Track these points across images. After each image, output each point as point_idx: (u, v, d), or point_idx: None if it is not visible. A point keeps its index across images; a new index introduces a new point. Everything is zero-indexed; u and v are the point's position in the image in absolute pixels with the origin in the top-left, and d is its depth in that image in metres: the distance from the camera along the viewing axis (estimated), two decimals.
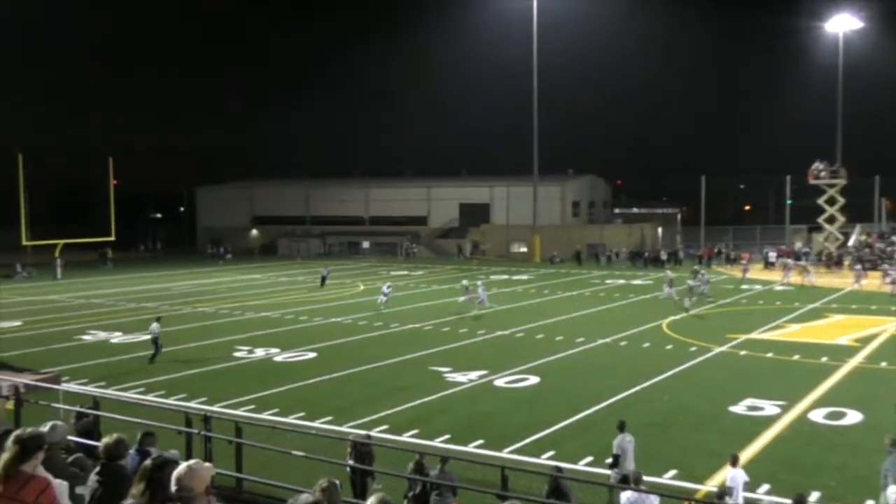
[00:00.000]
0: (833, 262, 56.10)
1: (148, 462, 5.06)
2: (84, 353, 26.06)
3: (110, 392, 19.77)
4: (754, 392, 19.67)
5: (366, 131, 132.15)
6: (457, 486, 10.86)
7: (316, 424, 16.87)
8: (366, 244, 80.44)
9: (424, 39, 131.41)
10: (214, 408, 18.17)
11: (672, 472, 14.01)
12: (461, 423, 17.19)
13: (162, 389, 20.58)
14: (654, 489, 11.18)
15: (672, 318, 32.83)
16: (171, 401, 19.07)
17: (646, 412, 18.08)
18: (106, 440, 6.59)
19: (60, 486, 5.79)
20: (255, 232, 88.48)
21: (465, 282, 36.42)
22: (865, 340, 27.14)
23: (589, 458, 14.59)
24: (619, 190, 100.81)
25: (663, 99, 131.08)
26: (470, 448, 15.29)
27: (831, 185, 60.43)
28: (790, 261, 54.26)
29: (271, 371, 23.05)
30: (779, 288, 44.37)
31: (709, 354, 24.91)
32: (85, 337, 29.43)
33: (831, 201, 60.44)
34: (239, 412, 17.88)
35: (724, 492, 11.21)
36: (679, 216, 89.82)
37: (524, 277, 53.07)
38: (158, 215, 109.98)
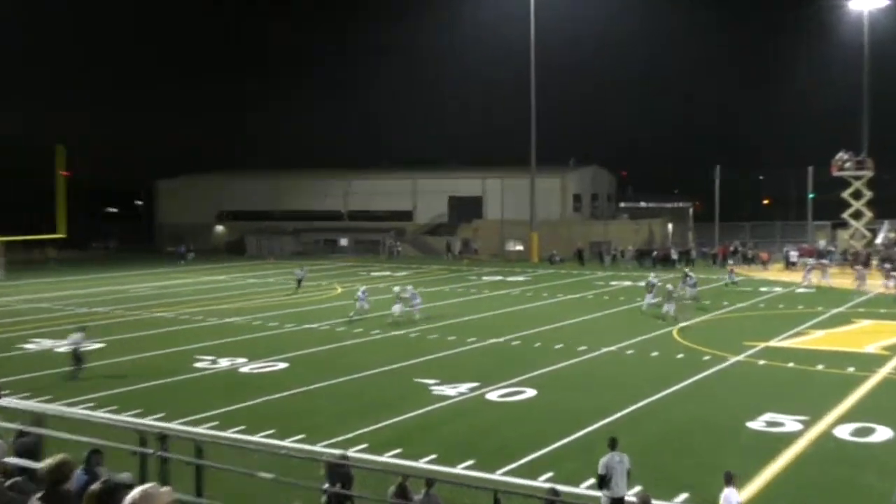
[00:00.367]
0: (859, 262, 56.29)
1: (97, 486, 4.92)
2: (27, 363, 25.83)
3: (55, 407, 19.58)
4: (774, 406, 19.68)
5: (346, 119, 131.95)
6: None
7: (287, 443, 16.77)
8: (344, 242, 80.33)
9: (412, 17, 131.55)
10: (173, 425, 18.05)
11: (684, 496, 13.96)
12: (449, 442, 17.11)
13: (114, 404, 20.40)
14: None
15: (683, 323, 32.86)
16: (124, 417, 18.92)
17: (655, 428, 18.06)
18: (49, 462, 6.48)
19: None
20: (220, 228, 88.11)
21: (396, 289, 35.87)
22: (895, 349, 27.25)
23: (590, 481, 14.51)
24: (624, 182, 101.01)
25: (673, 84, 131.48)
26: (459, 469, 15.21)
27: (857, 178, 60.67)
28: (811, 260, 54.47)
29: (237, 384, 22.93)
30: (800, 290, 44.55)
31: (724, 364, 24.93)
32: (28, 346, 29.17)
33: (857, 195, 60.67)
34: (200, 430, 17.77)
35: None
36: (691, 211, 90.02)
37: (520, 279, 53.04)
38: (114, 210, 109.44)
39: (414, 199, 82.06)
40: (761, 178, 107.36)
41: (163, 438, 12.36)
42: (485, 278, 53.78)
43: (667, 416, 19.05)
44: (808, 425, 18.09)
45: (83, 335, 24.70)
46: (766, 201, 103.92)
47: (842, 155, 61.29)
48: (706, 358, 25.80)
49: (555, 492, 11.60)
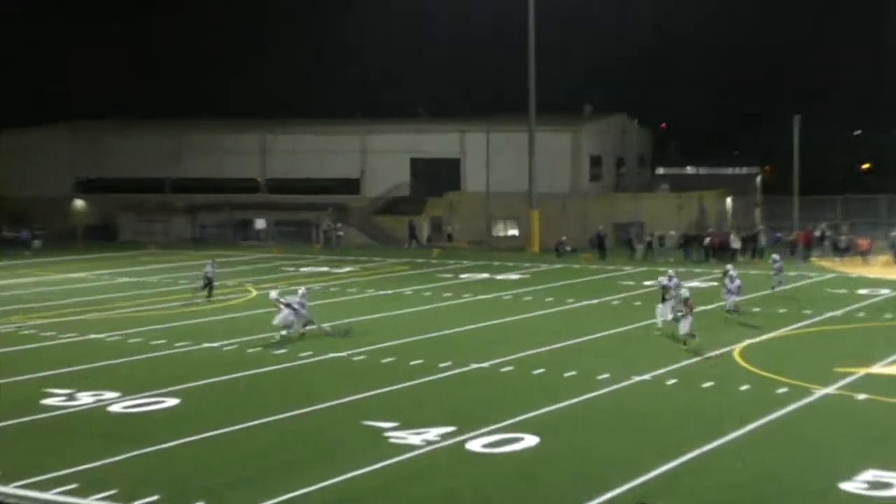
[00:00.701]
0: None
1: None
2: None
3: None
4: (878, 459, 19.69)
5: (274, 54, 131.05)
6: None
7: None
8: (261, 224, 79.99)
9: None
10: (7, 489, 17.87)
11: None
12: None
13: None
14: None
15: (749, 340, 32.91)
16: None
17: (708, 490, 18.06)
18: None
19: None
20: (80, 204, 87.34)
21: (273, 294, 35.53)
22: None
23: None
24: (664, 138, 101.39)
25: (731, 5, 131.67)
26: None
27: None
28: None
29: (105, 428, 22.77)
30: None
31: (807, 399, 24.95)
32: None
33: None
34: (49, 496, 17.59)
35: None
36: (759, 180, 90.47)
37: (514, 277, 52.98)
38: None
39: (362, 161, 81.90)
40: (857, 133, 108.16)
41: None
42: (464, 276, 53.70)
43: (724, 475, 19.02)
44: None
45: None
46: (865, 166, 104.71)
47: None
48: (781, 391, 25.80)
49: None
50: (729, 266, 41.40)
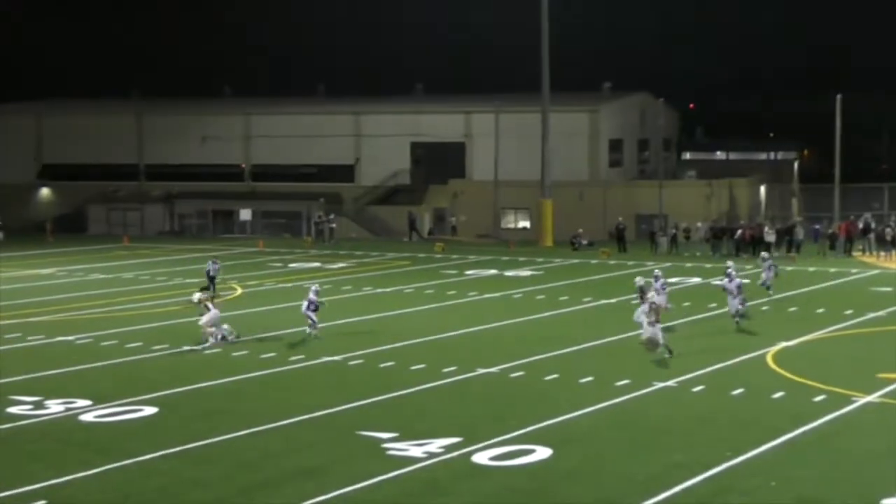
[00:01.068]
0: None
1: None
2: None
3: None
4: None
5: (261, 28, 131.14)
6: None
7: None
8: (245, 215, 79.94)
9: None
10: None
11: None
12: None
13: None
14: None
15: (784, 343, 32.96)
16: None
17: None
18: None
19: None
20: (45, 192, 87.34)
21: (196, 296, 35.37)
22: None
23: None
24: (691, 120, 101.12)
25: None
26: None
27: None
28: None
29: (76, 439, 22.79)
30: None
31: (847, 408, 24.96)
32: None
33: None
34: None
35: None
36: (796, 166, 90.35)
37: (525, 274, 53.02)
38: None
39: (357, 146, 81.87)
40: None
41: None
42: (470, 273, 53.74)
43: (756, 492, 19.03)
44: None
45: None
46: None
47: None
48: (819, 399, 25.82)
49: None
50: (729, 263, 40.77)
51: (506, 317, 39.03)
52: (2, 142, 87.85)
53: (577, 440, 22.49)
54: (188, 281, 49.89)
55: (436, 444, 21.85)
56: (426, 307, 42.36)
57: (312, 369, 30.24)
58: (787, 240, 61.87)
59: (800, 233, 63.33)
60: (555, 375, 28.70)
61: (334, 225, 73.82)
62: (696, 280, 49.59)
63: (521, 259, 59.67)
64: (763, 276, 42.73)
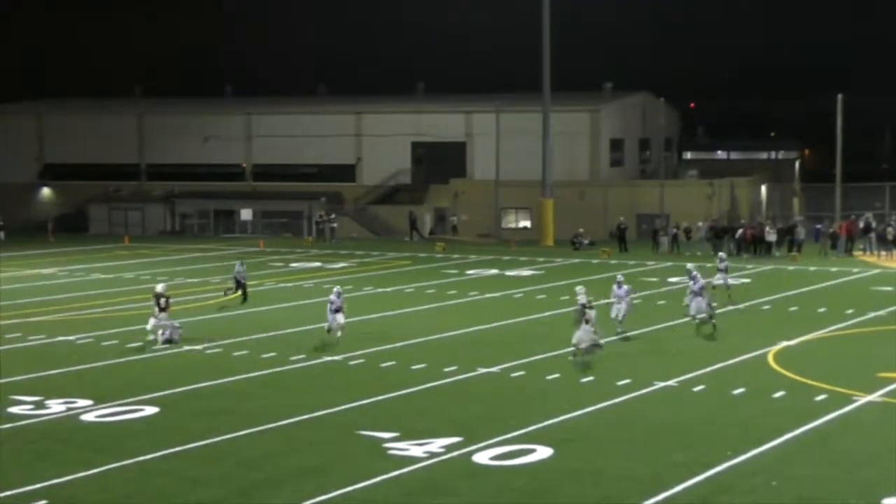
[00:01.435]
0: None
1: None
2: None
3: None
4: None
5: (262, 29, 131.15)
6: None
7: None
8: (246, 214, 79.93)
9: None
10: None
11: None
12: None
13: None
14: None
15: (785, 342, 32.96)
16: None
17: None
18: None
19: None
20: (47, 192, 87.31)
21: (159, 288, 35.24)
22: None
23: None
24: (692, 119, 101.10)
25: None
26: None
27: None
28: None
29: (77, 439, 22.79)
30: None
31: (848, 408, 24.96)
32: None
33: None
34: None
35: None
36: (797, 165, 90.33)
37: (526, 273, 53.02)
38: None
39: (358, 145, 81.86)
40: None
41: None
42: (470, 272, 53.74)
43: (757, 492, 19.05)
44: None
45: None
46: None
47: None
48: (820, 398, 25.83)
49: None
50: (690, 265, 39.82)
51: (506, 316, 39.04)
52: (3, 142, 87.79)
53: (577, 440, 22.48)
54: (189, 280, 49.94)
55: (436, 444, 21.85)
56: (427, 307, 42.37)
57: (313, 369, 30.26)
58: (789, 239, 61.88)
59: (801, 232, 63.28)
60: (556, 375, 28.72)
61: (335, 224, 73.78)
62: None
63: (522, 259, 59.68)
64: (717, 276, 41.90)
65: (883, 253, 58.92)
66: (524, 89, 77.57)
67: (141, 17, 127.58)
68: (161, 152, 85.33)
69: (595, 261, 58.67)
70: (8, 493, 18.97)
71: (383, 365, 30.39)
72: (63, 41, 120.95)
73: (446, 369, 29.51)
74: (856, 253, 60.08)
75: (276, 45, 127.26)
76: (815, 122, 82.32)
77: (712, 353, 31.29)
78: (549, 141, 68.92)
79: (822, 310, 39.91)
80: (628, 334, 34.46)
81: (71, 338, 35.12)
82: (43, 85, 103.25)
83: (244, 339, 34.46)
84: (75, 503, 18.46)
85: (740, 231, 62.63)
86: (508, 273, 53.22)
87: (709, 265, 54.06)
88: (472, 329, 36.45)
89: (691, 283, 36.94)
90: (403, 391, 27.08)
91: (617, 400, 25.97)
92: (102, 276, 53.31)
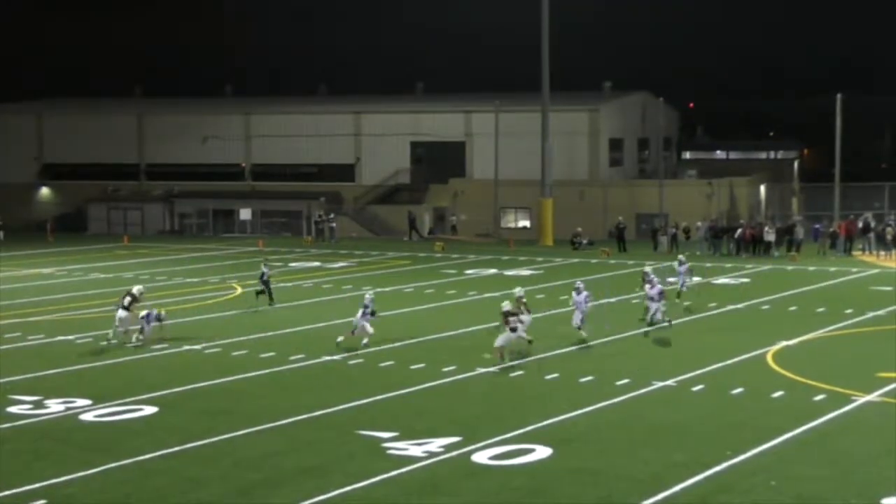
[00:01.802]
0: None
1: None
2: None
3: None
4: None
5: (264, 30, 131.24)
6: None
7: None
8: (246, 214, 79.89)
9: None
10: None
11: None
12: None
13: None
14: None
15: (784, 342, 32.96)
16: None
17: None
18: None
19: None
20: (46, 192, 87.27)
21: (135, 289, 35.12)
22: None
23: None
24: (691, 119, 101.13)
25: None
26: None
27: None
28: None
29: (76, 439, 22.81)
30: None
31: (847, 408, 24.96)
32: None
33: None
34: None
35: None
36: (796, 165, 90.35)
37: (525, 273, 52.98)
38: None
39: (357, 146, 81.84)
40: None
41: None
42: (469, 272, 53.72)
43: (756, 492, 19.05)
44: None
45: None
46: None
47: None
48: (819, 398, 25.83)
49: None
50: (647, 269, 39.20)
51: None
52: (2, 141, 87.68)
53: (577, 440, 22.50)
54: (188, 280, 49.95)
55: (436, 444, 21.86)
56: (426, 306, 42.36)
57: (312, 369, 30.27)
58: (788, 239, 61.82)
59: (800, 232, 63.28)
60: (555, 375, 28.73)
61: (334, 224, 73.77)
62: (697, 279, 49.41)
63: (522, 258, 59.66)
64: (679, 278, 41.83)
65: (882, 253, 58.88)
66: (523, 89, 77.53)
67: (141, 17, 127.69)
68: (160, 152, 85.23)
69: (594, 260, 58.62)
70: (7, 492, 18.97)
71: (382, 364, 30.41)
72: (63, 41, 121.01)
73: (445, 369, 29.52)
74: (855, 253, 60.08)
75: (276, 45, 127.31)
76: (815, 121, 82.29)
77: (711, 353, 31.25)
78: (549, 141, 68.91)
79: (821, 310, 39.91)
80: (589, 344, 33.24)
81: (70, 337, 35.14)
82: (43, 85, 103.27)
83: (243, 338, 34.47)
84: (74, 503, 18.46)
85: (739, 231, 62.59)
86: (507, 273, 53.15)
87: (708, 265, 54.29)
88: (471, 329, 36.43)
89: (648, 286, 36.59)
90: (402, 391, 27.09)
91: (616, 400, 25.97)
92: (101, 275, 53.26)
